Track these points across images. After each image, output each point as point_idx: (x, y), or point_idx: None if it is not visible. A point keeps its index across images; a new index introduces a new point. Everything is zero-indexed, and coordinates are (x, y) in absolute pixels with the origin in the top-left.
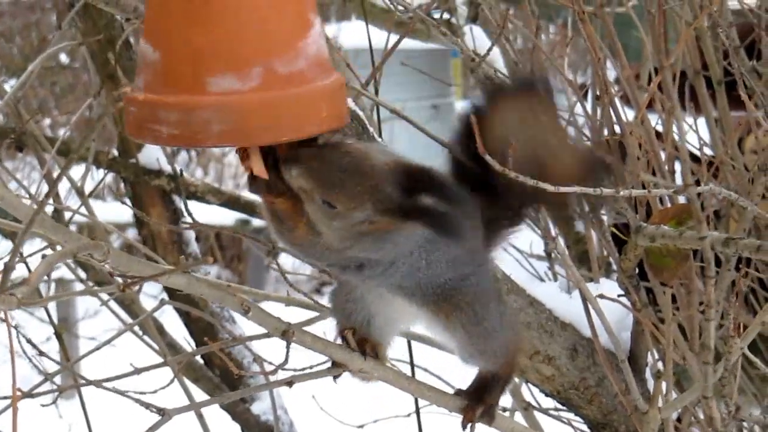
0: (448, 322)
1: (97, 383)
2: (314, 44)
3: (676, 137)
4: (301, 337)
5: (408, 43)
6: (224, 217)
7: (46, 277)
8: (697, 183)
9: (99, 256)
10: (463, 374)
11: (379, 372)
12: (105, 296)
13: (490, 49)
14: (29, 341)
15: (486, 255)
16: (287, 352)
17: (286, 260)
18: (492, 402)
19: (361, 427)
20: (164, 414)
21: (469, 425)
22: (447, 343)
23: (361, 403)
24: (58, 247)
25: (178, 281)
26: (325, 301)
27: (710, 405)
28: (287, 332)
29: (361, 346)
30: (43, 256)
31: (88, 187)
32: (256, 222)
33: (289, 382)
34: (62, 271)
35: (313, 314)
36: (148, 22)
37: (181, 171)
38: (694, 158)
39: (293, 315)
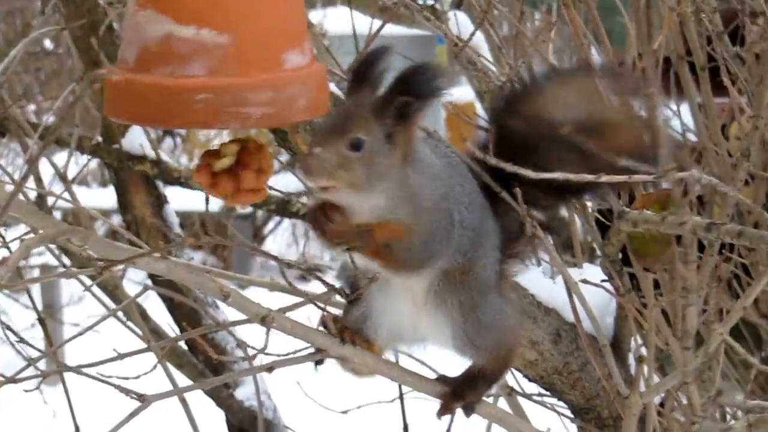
0: (448, 304)
1: (80, 369)
2: None
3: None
4: (282, 323)
5: (393, 29)
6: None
7: (30, 264)
8: (680, 168)
9: (78, 241)
10: (446, 360)
11: (359, 357)
12: (88, 281)
13: (473, 34)
14: (8, 328)
15: (496, 250)
16: (267, 338)
17: (272, 247)
18: (473, 399)
19: (345, 413)
20: (144, 400)
21: (445, 415)
22: (441, 331)
23: (345, 389)
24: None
25: (157, 267)
26: (309, 287)
27: (690, 390)
28: (267, 318)
29: (343, 333)
30: (23, 241)
31: (71, 173)
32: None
33: (270, 368)
34: (47, 258)
35: (296, 300)
36: (196, 5)
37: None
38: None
39: (277, 301)
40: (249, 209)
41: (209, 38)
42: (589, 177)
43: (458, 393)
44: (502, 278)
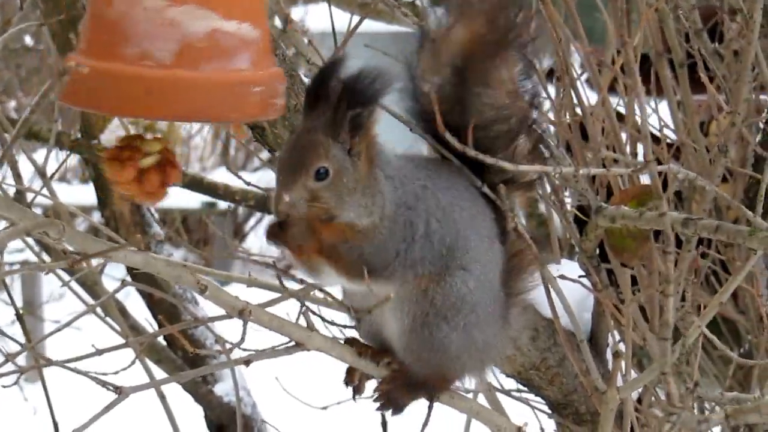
0: (404, 311)
1: (58, 364)
2: None
3: (638, 119)
4: (259, 316)
5: (374, 25)
6: (190, 200)
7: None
8: (659, 163)
9: (54, 235)
10: None
11: (336, 351)
12: (67, 277)
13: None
14: None
15: (488, 270)
16: (244, 331)
17: (253, 243)
18: (396, 398)
19: (324, 408)
20: (121, 392)
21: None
22: (392, 329)
23: (325, 385)
24: None
25: (135, 260)
26: (289, 283)
27: (668, 381)
28: (243, 311)
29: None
30: None
31: (51, 169)
32: (222, 205)
33: (247, 361)
34: (27, 254)
35: (275, 295)
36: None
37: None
38: (656, 139)
39: (257, 297)
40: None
41: (248, 32)
42: (568, 170)
43: (390, 385)
44: (508, 304)
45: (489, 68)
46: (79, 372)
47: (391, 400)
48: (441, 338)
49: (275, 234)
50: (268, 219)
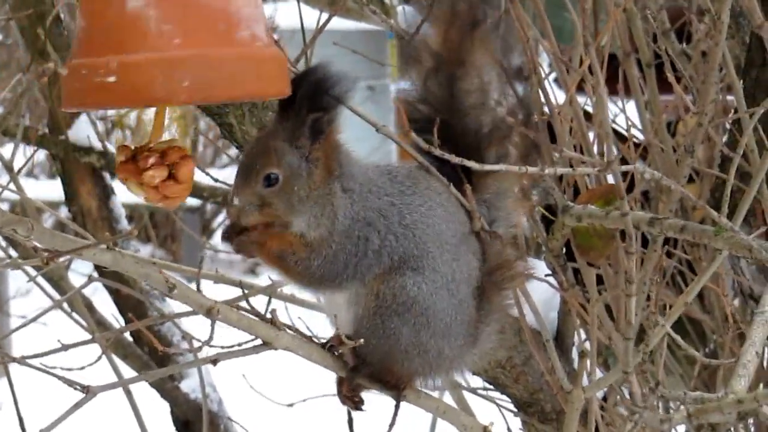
0: (361, 303)
1: (24, 363)
2: None
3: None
4: (227, 315)
5: (344, 23)
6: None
7: None
8: (624, 163)
9: (23, 232)
10: None
11: (304, 350)
12: (33, 272)
13: (419, 28)
14: None
15: (449, 279)
16: (212, 330)
17: (220, 241)
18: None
19: (290, 405)
20: (88, 391)
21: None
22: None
23: (291, 382)
24: None
25: (103, 258)
26: (257, 281)
27: (630, 380)
28: (212, 309)
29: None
30: None
31: (18, 164)
32: (190, 201)
33: (214, 360)
34: None
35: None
36: None
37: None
38: (622, 139)
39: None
40: (198, 202)
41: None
42: (533, 169)
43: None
44: (481, 323)
45: (463, 53)
46: (46, 372)
47: (350, 397)
48: (392, 328)
49: (229, 237)
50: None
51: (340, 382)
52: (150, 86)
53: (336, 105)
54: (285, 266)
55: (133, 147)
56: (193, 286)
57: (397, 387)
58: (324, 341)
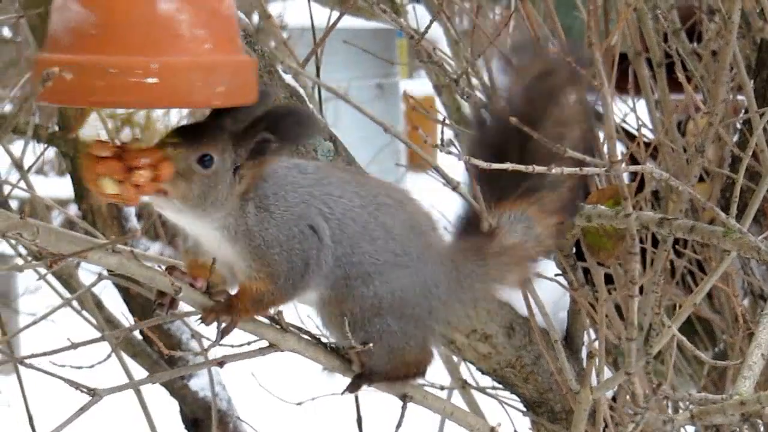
0: (337, 315)
1: (32, 358)
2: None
3: (617, 119)
4: None
5: (354, 22)
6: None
7: None
8: (635, 162)
9: (28, 236)
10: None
11: (310, 352)
12: (43, 270)
13: (428, 27)
14: None
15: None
16: (218, 332)
17: None
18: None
19: (299, 404)
20: (95, 394)
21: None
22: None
23: (300, 381)
24: None
25: (109, 261)
26: None
27: (633, 381)
28: None
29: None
30: None
31: (28, 162)
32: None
33: (221, 362)
34: (2, 247)
35: None
36: None
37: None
38: (633, 139)
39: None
40: None
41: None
42: (541, 168)
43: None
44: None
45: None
46: (53, 375)
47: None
48: (377, 331)
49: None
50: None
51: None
52: (190, 90)
53: (290, 140)
54: (269, 303)
55: (113, 143)
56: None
57: (407, 377)
58: (330, 342)
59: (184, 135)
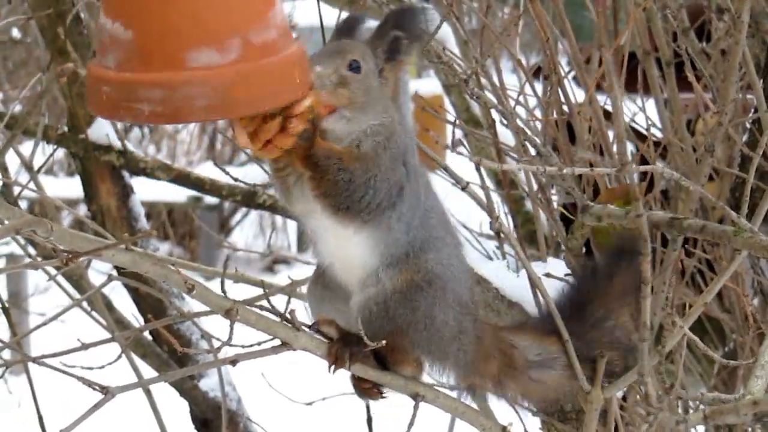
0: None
1: (43, 359)
2: (280, 13)
3: (627, 118)
4: (246, 316)
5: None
6: (176, 193)
7: None
8: (644, 162)
9: (42, 233)
10: None
11: (321, 350)
12: (53, 271)
13: (438, 27)
14: None
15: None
16: (231, 331)
17: (238, 238)
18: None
19: (309, 404)
20: (107, 392)
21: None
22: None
23: (310, 381)
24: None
25: (122, 259)
26: (275, 279)
27: (645, 381)
28: (230, 311)
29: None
30: None
31: (38, 163)
32: (208, 199)
33: (233, 361)
34: (12, 247)
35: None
36: (114, 0)
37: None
38: (642, 138)
39: (243, 292)
40: (216, 200)
41: (119, 32)
42: (552, 169)
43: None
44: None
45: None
46: (65, 372)
47: (338, 358)
48: (413, 302)
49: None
50: (254, 214)
51: (334, 352)
52: (291, 86)
53: (418, 35)
54: (322, 172)
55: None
56: (211, 285)
57: (392, 360)
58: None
59: (323, 51)
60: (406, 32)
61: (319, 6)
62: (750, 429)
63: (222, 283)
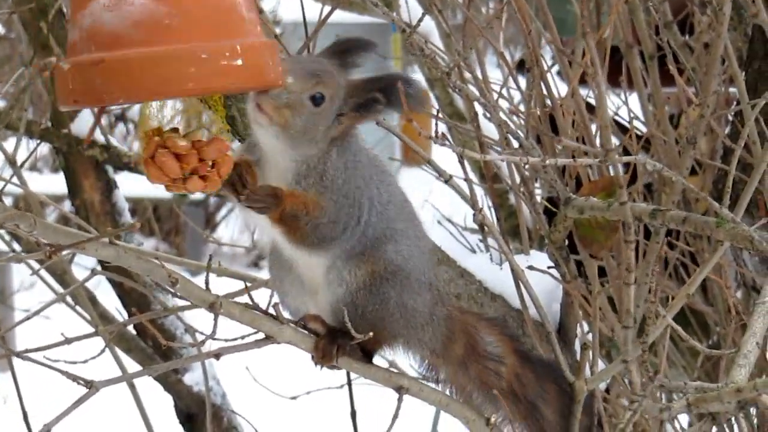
0: (346, 280)
1: (27, 354)
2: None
3: (611, 112)
4: (229, 309)
5: (348, 16)
6: (161, 189)
7: None
8: (627, 154)
9: (26, 227)
10: None
11: (306, 344)
12: (37, 266)
13: (420, 20)
14: None
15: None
16: (215, 325)
17: (224, 234)
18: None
19: (294, 398)
20: (91, 386)
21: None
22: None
23: (294, 375)
24: None
25: (106, 252)
26: (260, 274)
27: (630, 369)
28: (214, 304)
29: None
30: None
31: (21, 158)
32: (194, 195)
33: (217, 355)
34: None
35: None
36: None
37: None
38: (625, 131)
39: (227, 286)
40: (201, 196)
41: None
42: (535, 160)
43: (333, 338)
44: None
45: None
46: (50, 367)
47: (326, 354)
48: (383, 294)
49: (237, 190)
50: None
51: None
52: (266, 69)
53: (395, 108)
54: (295, 225)
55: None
56: (196, 280)
57: (373, 351)
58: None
59: (310, 64)
60: (387, 100)
61: (302, 1)
62: (733, 417)
63: (207, 277)
